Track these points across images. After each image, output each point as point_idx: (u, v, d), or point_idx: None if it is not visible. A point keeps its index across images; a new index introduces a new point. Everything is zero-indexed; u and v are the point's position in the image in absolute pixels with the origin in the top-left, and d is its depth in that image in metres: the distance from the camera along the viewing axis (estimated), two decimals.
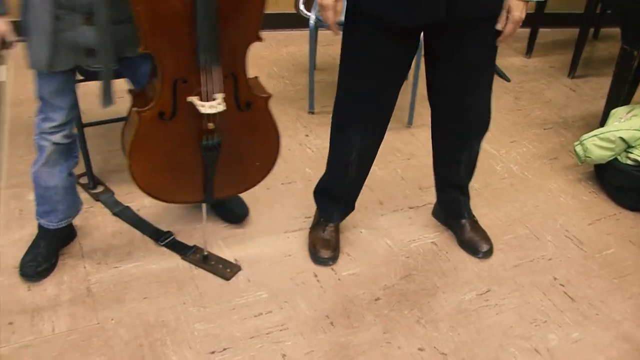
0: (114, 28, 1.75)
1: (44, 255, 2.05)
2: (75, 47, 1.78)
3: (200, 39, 1.71)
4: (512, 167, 2.86)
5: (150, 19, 1.66)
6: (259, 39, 1.83)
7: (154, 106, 1.79)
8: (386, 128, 2.09)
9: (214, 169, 1.94)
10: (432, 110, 2.11)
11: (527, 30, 4.09)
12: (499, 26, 1.82)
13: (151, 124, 1.81)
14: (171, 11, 1.67)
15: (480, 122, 2.10)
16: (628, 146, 2.59)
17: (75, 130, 2.00)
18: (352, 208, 2.29)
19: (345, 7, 1.91)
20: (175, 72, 1.77)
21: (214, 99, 1.81)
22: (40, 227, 2.08)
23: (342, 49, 1.98)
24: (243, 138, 1.97)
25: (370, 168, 2.20)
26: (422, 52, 2.00)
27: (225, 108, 1.82)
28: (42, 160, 1.92)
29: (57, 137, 1.90)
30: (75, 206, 2.10)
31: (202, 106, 1.79)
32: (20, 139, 2.70)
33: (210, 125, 1.84)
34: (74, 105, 1.94)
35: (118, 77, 1.91)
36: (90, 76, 2.03)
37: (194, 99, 1.80)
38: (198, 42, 1.72)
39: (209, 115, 1.81)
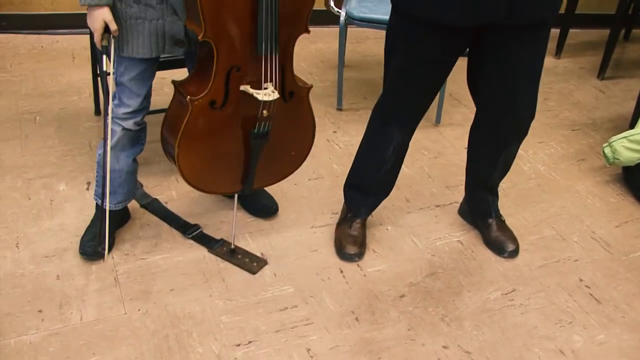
0: None
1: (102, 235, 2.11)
2: (163, 36, 1.85)
3: (262, 28, 1.75)
4: (540, 167, 2.84)
5: (212, 7, 1.69)
6: (307, 30, 1.87)
7: (206, 95, 1.82)
8: (420, 119, 2.12)
9: (258, 157, 1.97)
10: (477, 109, 2.12)
11: (556, 31, 4.05)
12: None
13: (202, 113, 1.84)
14: (234, 7, 1.71)
15: (522, 125, 2.10)
16: None
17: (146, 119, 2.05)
18: (379, 202, 2.29)
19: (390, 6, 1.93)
20: (231, 60, 1.80)
21: (265, 88, 1.85)
22: (98, 207, 2.14)
23: (388, 47, 1.99)
24: (285, 127, 2.00)
25: (402, 163, 2.22)
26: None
27: (278, 96, 1.85)
28: (111, 144, 1.98)
29: (129, 124, 1.97)
30: (133, 191, 2.17)
31: (259, 94, 1.82)
32: (50, 130, 2.75)
33: (266, 113, 1.87)
34: (149, 94, 2.00)
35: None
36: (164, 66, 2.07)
37: (248, 88, 1.83)
38: (259, 31, 1.76)
39: (264, 102, 1.84)
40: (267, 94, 1.83)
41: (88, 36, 2.72)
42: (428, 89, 2.03)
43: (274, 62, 1.83)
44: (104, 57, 1.85)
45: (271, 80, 1.85)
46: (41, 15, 3.65)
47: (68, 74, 3.25)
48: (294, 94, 1.96)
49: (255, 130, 1.91)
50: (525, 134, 2.13)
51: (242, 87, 1.84)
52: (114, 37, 1.82)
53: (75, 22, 3.56)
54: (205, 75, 1.83)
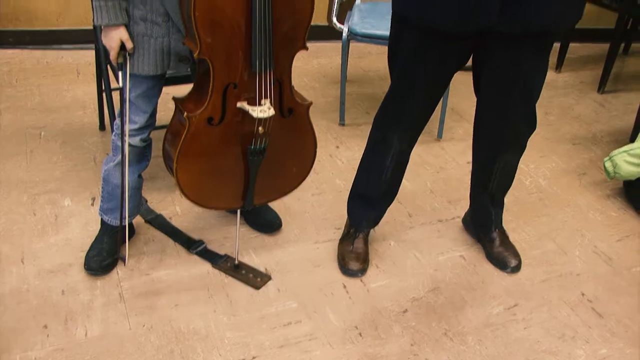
0: None
1: (108, 250, 2.14)
2: (169, 53, 1.88)
3: (256, 45, 1.77)
4: (541, 182, 2.86)
5: (207, 25, 1.71)
6: (305, 47, 1.89)
7: (203, 111, 1.84)
8: (420, 131, 2.14)
9: (256, 174, 1.99)
10: (477, 107, 2.12)
11: (557, 45, 4.08)
12: None
13: (199, 129, 1.86)
14: (227, 17, 1.73)
15: (518, 136, 2.11)
16: None
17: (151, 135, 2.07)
18: (382, 215, 2.31)
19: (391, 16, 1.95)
20: (227, 77, 1.82)
21: (262, 104, 1.87)
22: (103, 223, 2.16)
23: (390, 54, 2.01)
24: (283, 144, 2.01)
25: (403, 173, 2.23)
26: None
27: (274, 113, 1.87)
28: (116, 159, 2.01)
29: (135, 140, 1.99)
30: (138, 206, 2.19)
31: (254, 111, 1.84)
32: (55, 145, 2.77)
33: (261, 130, 1.89)
34: (155, 111, 2.02)
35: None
36: (171, 81, 2.11)
37: (244, 104, 1.85)
38: (253, 48, 1.78)
39: (260, 119, 1.86)
40: (263, 110, 1.85)
41: (93, 51, 2.75)
42: (429, 96, 2.03)
43: (269, 79, 1.86)
44: (120, 73, 1.87)
45: (267, 97, 1.87)
46: (47, 31, 3.68)
47: (73, 89, 3.27)
48: (293, 110, 1.98)
49: (252, 147, 1.93)
50: (522, 146, 2.14)
51: (238, 104, 1.86)
52: (129, 54, 1.85)
53: (80, 38, 3.60)
54: (203, 92, 1.86)
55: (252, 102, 1.87)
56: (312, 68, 3.76)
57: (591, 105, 3.71)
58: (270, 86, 1.87)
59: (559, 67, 4.10)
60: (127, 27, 1.84)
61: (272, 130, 1.92)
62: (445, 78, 2.01)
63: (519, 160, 2.20)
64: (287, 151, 2.04)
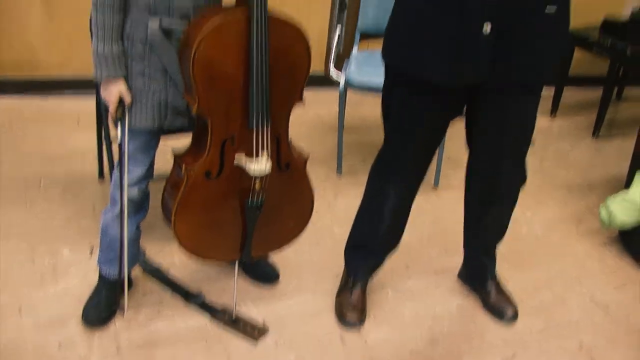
0: None
1: (106, 303, 2.13)
2: (166, 108, 1.91)
3: (253, 101, 1.81)
4: (538, 230, 2.88)
5: (205, 81, 1.75)
6: (301, 99, 1.94)
7: (201, 165, 1.87)
8: (420, 184, 2.16)
9: (254, 227, 2.00)
10: (468, 158, 2.15)
11: (551, 91, 4.14)
12: None
13: (197, 183, 1.89)
14: (226, 74, 1.78)
15: (509, 188, 2.14)
16: None
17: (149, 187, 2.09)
18: (380, 264, 2.31)
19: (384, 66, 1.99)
20: (225, 132, 1.86)
21: (259, 160, 1.89)
22: (101, 275, 2.16)
23: (384, 106, 2.06)
24: (281, 197, 2.03)
25: (405, 223, 2.25)
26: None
27: (271, 170, 1.89)
28: (114, 211, 2.02)
29: (133, 192, 2.00)
30: (136, 257, 2.20)
31: (251, 168, 1.87)
32: (55, 194, 2.79)
33: (258, 186, 1.92)
34: (153, 162, 2.04)
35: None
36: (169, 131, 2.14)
37: (242, 160, 1.89)
38: (251, 104, 1.82)
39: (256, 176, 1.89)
40: (260, 168, 1.88)
41: (94, 99, 2.79)
42: (424, 148, 2.06)
43: (267, 135, 1.89)
44: (119, 126, 1.90)
45: (265, 152, 1.90)
46: (48, 78, 3.73)
47: (73, 137, 3.31)
48: (290, 165, 2.00)
49: (249, 203, 1.95)
50: (513, 200, 2.18)
51: (235, 161, 1.89)
52: (127, 108, 1.88)
53: (80, 85, 3.64)
54: (201, 146, 1.89)
55: (250, 157, 1.90)
56: (309, 116, 3.79)
57: (586, 150, 3.75)
58: (267, 141, 1.90)
59: (553, 112, 4.15)
60: (126, 80, 1.88)
61: (269, 184, 1.95)
62: (440, 130, 2.05)
63: (510, 213, 2.22)
64: (284, 204, 2.06)
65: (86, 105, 3.54)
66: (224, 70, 1.78)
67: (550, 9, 1.78)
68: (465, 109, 2.04)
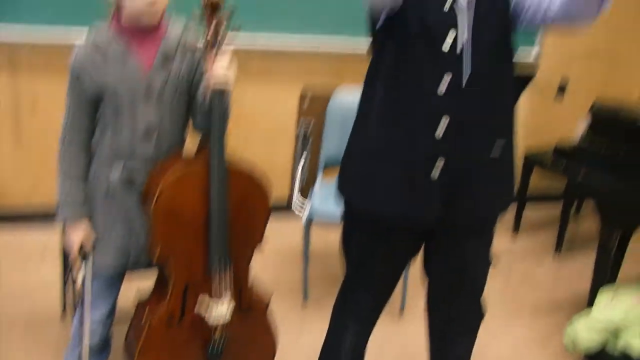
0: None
1: None
2: (128, 252, 1.95)
3: (213, 246, 1.86)
4: (505, 353, 2.87)
5: (166, 230, 1.82)
6: (261, 240, 2.00)
7: (164, 311, 1.88)
8: (379, 317, 2.14)
9: None
10: (426, 291, 2.15)
11: (512, 210, 4.25)
12: None
13: (159, 330, 1.90)
14: (185, 222, 1.84)
15: (468, 323, 2.15)
16: (616, 333, 2.62)
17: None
18: None
19: (343, 203, 2.02)
20: (187, 278, 1.89)
21: (219, 306, 1.92)
22: None
23: (342, 242, 2.07)
24: (242, 343, 2.04)
25: (363, 357, 2.22)
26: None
27: (230, 318, 1.91)
28: (76, 352, 2.02)
29: (96, 332, 2.00)
30: None
31: (210, 317, 1.90)
32: (17, 331, 2.73)
33: (218, 333, 1.94)
34: (115, 304, 2.05)
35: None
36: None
37: (203, 306, 1.90)
38: (210, 249, 1.86)
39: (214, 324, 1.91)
40: (219, 314, 1.91)
41: (59, 231, 2.78)
42: (382, 286, 2.07)
43: (227, 280, 1.92)
44: (82, 268, 1.91)
45: (225, 298, 1.92)
46: (13, 209, 3.73)
47: (37, 270, 3.28)
48: (251, 309, 2.03)
49: (210, 350, 1.97)
50: (473, 332, 2.17)
51: (196, 307, 1.91)
52: (91, 249, 1.90)
53: (47, 216, 3.64)
54: (163, 292, 1.92)
55: (211, 302, 1.91)
56: (273, 247, 3.74)
57: (550, 269, 3.81)
58: (227, 286, 1.92)
59: (515, 231, 4.24)
60: (90, 219, 1.90)
61: (230, 330, 1.96)
62: (397, 269, 2.07)
63: (471, 345, 2.22)
64: (246, 348, 2.06)
65: (52, 236, 3.54)
66: (184, 219, 1.83)
67: (496, 152, 1.86)
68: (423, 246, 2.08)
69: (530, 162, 4.14)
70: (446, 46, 1.74)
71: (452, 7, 1.74)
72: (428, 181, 1.80)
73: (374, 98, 1.87)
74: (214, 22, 1.84)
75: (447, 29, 1.74)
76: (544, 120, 4.62)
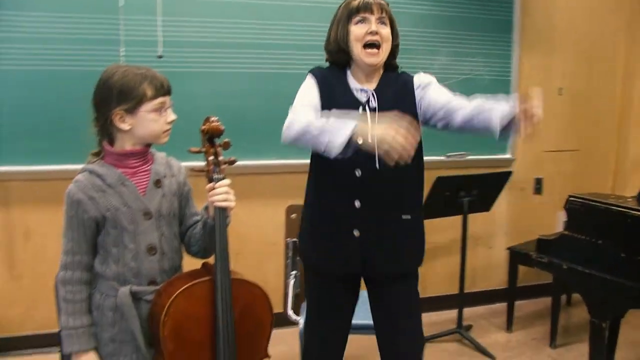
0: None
1: None
2: None
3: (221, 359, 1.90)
4: None
5: (174, 344, 1.86)
6: (267, 355, 2.07)
7: None
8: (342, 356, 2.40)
9: None
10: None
11: (504, 305, 4.30)
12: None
13: None
14: (193, 335, 1.89)
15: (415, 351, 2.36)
16: None
17: None
18: None
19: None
20: None
21: None
22: None
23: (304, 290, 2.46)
24: None
25: None
26: None
27: None
28: None
29: None
30: None
31: None
32: None
33: None
34: None
35: None
36: None
37: None
38: None
39: None
40: None
41: (56, 356, 2.77)
42: (333, 332, 2.35)
43: None
44: None
45: None
46: (7, 337, 3.72)
47: None
48: None
49: None
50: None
51: None
52: None
53: (42, 342, 3.64)
54: None
55: None
56: (274, 355, 3.78)
57: None
58: None
59: (509, 327, 4.26)
60: (96, 350, 1.94)
61: None
62: (347, 313, 2.34)
63: None
64: None
65: None
66: (192, 331, 1.89)
67: (406, 217, 2.24)
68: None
69: (515, 258, 4.23)
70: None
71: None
72: (350, 239, 2.22)
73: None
74: (213, 150, 1.98)
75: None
76: (525, 216, 4.76)
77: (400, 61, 2.34)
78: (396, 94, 2.22)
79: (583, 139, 4.87)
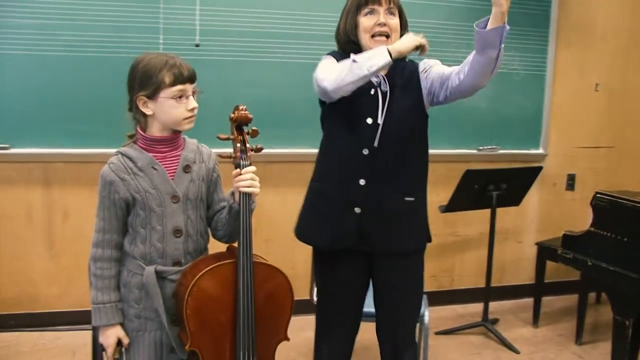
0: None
1: None
2: (161, 345, 2.06)
3: (240, 340, 1.97)
4: None
5: (197, 321, 1.93)
6: (287, 338, 2.12)
7: None
8: (355, 339, 2.48)
9: None
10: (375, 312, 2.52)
11: (530, 300, 4.30)
12: None
13: None
14: (215, 316, 1.97)
15: (406, 333, 2.44)
16: None
17: None
18: None
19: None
20: None
21: None
22: None
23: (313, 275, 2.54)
24: None
25: None
26: None
27: None
28: None
29: None
30: None
31: None
32: None
33: None
34: None
35: None
36: None
37: None
38: (238, 342, 1.97)
39: None
40: None
41: (89, 334, 2.89)
42: (346, 307, 2.42)
43: None
44: None
45: None
46: (46, 313, 3.87)
47: None
48: None
49: None
50: (412, 343, 2.46)
51: None
52: (125, 349, 2.02)
53: (78, 319, 3.77)
54: None
55: None
56: (298, 342, 3.82)
57: (571, 358, 3.81)
58: None
59: (535, 322, 4.27)
60: (122, 325, 2.03)
61: None
62: (356, 292, 2.42)
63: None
64: None
65: (82, 338, 3.65)
66: (214, 313, 1.96)
67: (409, 199, 2.33)
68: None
69: (543, 254, 4.22)
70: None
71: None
72: (351, 215, 2.32)
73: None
74: (241, 138, 2.04)
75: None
76: (557, 212, 4.74)
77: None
78: (405, 80, 2.31)
79: (618, 136, 4.82)
